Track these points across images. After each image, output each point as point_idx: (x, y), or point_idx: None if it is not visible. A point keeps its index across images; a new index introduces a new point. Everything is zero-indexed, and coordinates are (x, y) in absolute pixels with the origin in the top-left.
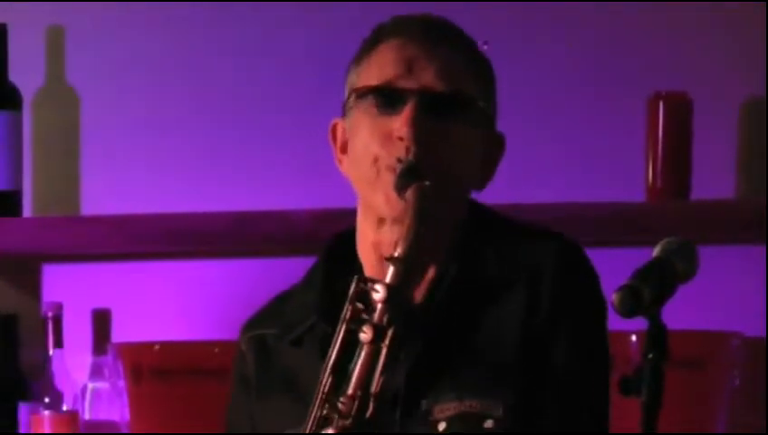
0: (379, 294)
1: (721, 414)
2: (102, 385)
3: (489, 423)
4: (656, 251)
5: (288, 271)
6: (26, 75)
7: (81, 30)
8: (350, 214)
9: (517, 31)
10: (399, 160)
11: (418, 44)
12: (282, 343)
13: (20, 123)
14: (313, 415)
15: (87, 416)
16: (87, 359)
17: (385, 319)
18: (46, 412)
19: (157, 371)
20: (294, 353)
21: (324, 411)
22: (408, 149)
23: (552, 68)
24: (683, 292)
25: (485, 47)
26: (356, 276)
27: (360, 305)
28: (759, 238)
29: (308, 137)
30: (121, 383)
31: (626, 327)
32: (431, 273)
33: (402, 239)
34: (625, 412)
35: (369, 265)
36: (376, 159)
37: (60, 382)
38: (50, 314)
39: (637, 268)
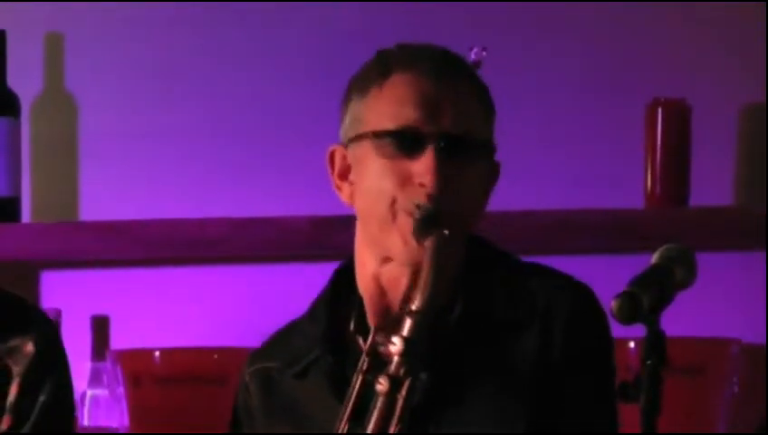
0: (395, 347)
1: (720, 421)
2: (101, 392)
3: None
4: (654, 258)
5: (286, 277)
6: (25, 82)
7: (80, 37)
8: (348, 221)
9: (516, 37)
10: (419, 207)
11: (432, 82)
12: (285, 375)
13: (19, 130)
14: None
15: (86, 422)
16: (86, 365)
17: (402, 371)
18: None
19: (156, 377)
20: (298, 385)
21: None
22: (429, 196)
23: (551, 75)
24: (681, 298)
25: (484, 53)
26: (373, 328)
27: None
28: (757, 245)
29: (306, 143)
30: (120, 390)
31: (624, 334)
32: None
33: (420, 292)
34: (624, 419)
35: (368, 296)
36: (393, 202)
37: None
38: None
39: (635, 275)
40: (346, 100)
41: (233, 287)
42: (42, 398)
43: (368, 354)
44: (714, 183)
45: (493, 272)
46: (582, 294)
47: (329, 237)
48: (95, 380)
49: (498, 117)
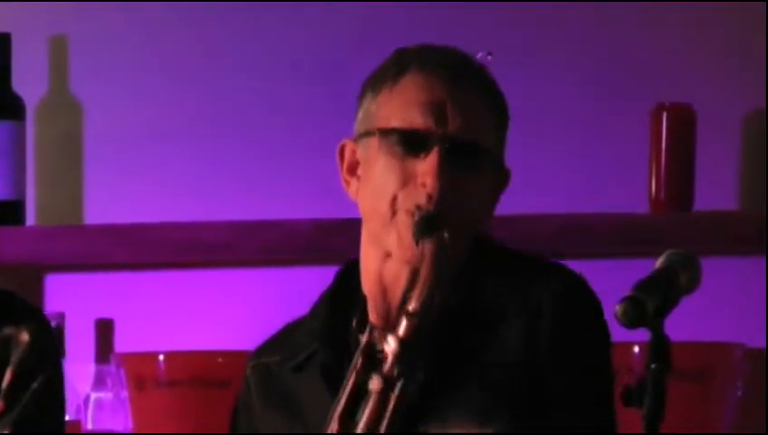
0: (390, 346)
1: (724, 425)
2: (105, 395)
3: None
4: (659, 263)
5: (290, 281)
6: (30, 85)
7: (85, 40)
8: (351, 224)
9: (520, 42)
10: (419, 207)
11: (444, 85)
12: (284, 368)
13: (23, 133)
14: None
15: (90, 426)
16: (90, 369)
17: (395, 372)
18: None
19: (159, 381)
20: (295, 378)
21: None
22: (429, 197)
23: (555, 80)
24: (686, 303)
25: (489, 58)
26: (369, 326)
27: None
28: (761, 250)
29: (310, 146)
30: (124, 393)
31: (629, 338)
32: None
33: (417, 294)
34: (628, 423)
35: (370, 293)
36: (394, 199)
37: None
38: (52, 324)
39: (640, 280)
40: (361, 96)
41: (236, 291)
42: (34, 385)
43: (362, 352)
44: (718, 188)
45: (488, 263)
46: (571, 283)
47: (332, 241)
48: (99, 383)
49: None
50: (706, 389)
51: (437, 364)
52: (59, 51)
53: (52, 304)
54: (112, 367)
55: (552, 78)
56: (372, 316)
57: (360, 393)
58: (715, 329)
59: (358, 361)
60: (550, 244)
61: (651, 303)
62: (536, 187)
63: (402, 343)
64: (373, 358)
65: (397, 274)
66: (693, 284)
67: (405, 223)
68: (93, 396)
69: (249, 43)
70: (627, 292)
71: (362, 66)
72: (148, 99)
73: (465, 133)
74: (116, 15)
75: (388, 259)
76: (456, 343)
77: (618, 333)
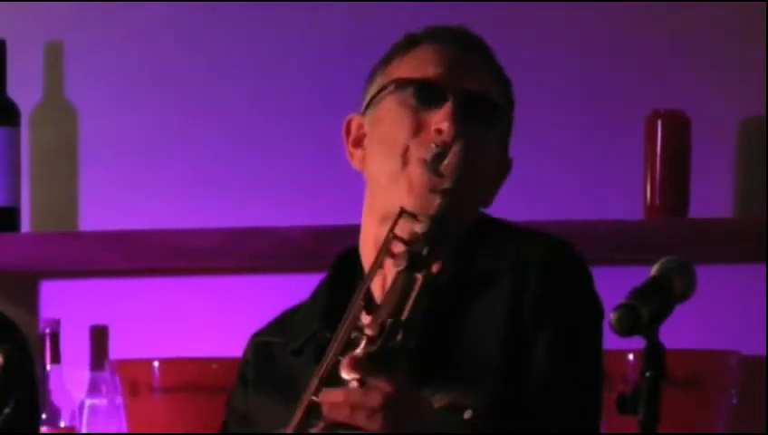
0: (422, 224)
1: (719, 433)
2: (100, 401)
3: (468, 414)
4: (654, 270)
5: (285, 288)
6: (25, 91)
7: (80, 45)
8: (347, 231)
9: (514, 48)
10: (435, 146)
11: (456, 50)
12: (285, 351)
13: (18, 139)
14: (339, 340)
15: (84, 432)
16: (85, 375)
17: (425, 250)
18: (44, 428)
19: (154, 387)
20: (295, 361)
21: (353, 336)
22: (444, 143)
23: (551, 86)
24: (681, 310)
25: None
26: (400, 209)
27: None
28: (756, 257)
29: (305, 153)
30: (119, 400)
31: (623, 346)
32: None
33: (450, 171)
34: (623, 431)
35: (370, 262)
36: (406, 150)
37: (57, 399)
38: (47, 331)
39: (635, 287)
40: (370, 77)
41: (231, 298)
42: (6, 410)
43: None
44: (713, 195)
45: (483, 234)
46: (558, 248)
47: (326, 248)
48: (94, 389)
49: None
50: (701, 396)
51: (429, 333)
52: (54, 57)
53: (47, 311)
54: (107, 374)
55: (547, 84)
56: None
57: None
58: (709, 336)
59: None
60: None
61: (646, 310)
62: (531, 193)
63: (435, 220)
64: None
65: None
66: (688, 291)
67: (416, 172)
68: (88, 402)
69: (243, 49)
70: (621, 299)
71: (357, 72)
72: (143, 105)
73: (480, 87)
74: (111, 22)
75: (385, 222)
76: (447, 311)
77: (612, 340)
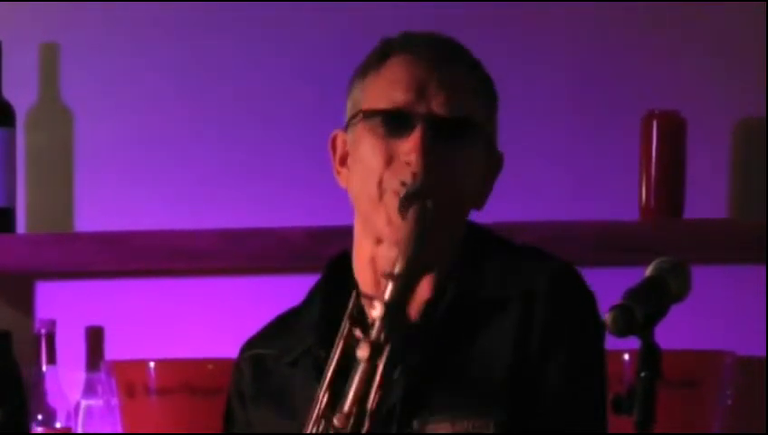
0: (376, 311)
1: (714, 433)
2: (96, 402)
3: None
4: (649, 271)
5: (282, 289)
6: (20, 92)
7: (75, 47)
8: (345, 232)
9: (511, 51)
10: (404, 184)
11: (428, 65)
12: (279, 363)
13: (14, 140)
14: (309, 432)
15: (80, 433)
16: (80, 376)
17: (382, 336)
18: (39, 429)
19: (150, 388)
20: (290, 373)
21: (320, 428)
22: (414, 175)
23: (546, 87)
24: (676, 311)
25: None
26: (354, 292)
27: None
28: (752, 258)
29: (302, 154)
30: (115, 401)
31: (618, 346)
32: (428, 290)
33: (401, 256)
34: (619, 432)
35: (364, 282)
36: (380, 181)
37: (53, 400)
38: (43, 332)
39: (630, 288)
40: (349, 86)
41: (228, 298)
42: None
43: (349, 318)
44: (708, 196)
45: (486, 254)
46: (564, 273)
47: (325, 249)
48: (89, 390)
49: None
50: (697, 397)
51: (436, 355)
52: (50, 58)
53: (42, 312)
54: (103, 375)
55: (542, 84)
56: (366, 303)
57: (347, 363)
58: (705, 337)
59: (345, 327)
60: None
61: (641, 311)
62: (526, 194)
63: (388, 305)
64: (364, 327)
65: (388, 259)
66: (683, 292)
67: (392, 203)
68: (84, 404)
69: (239, 51)
70: (617, 300)
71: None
72: (139, 106)
73: (449, 108)
74: (107, 23)
75: (380, 244)
76: (454, 333)
77: (608, 341)
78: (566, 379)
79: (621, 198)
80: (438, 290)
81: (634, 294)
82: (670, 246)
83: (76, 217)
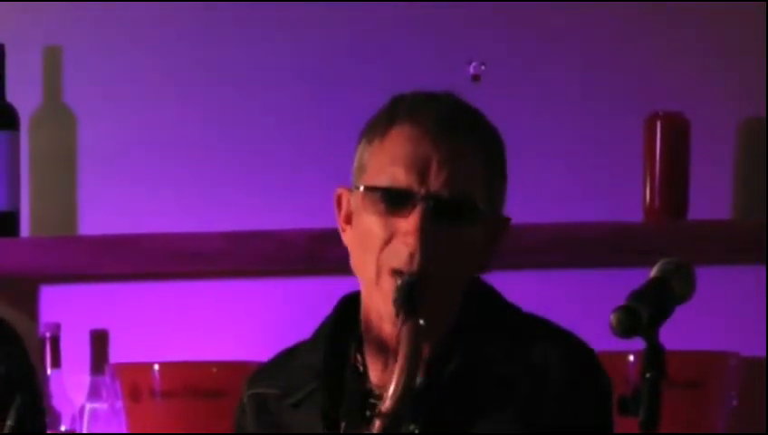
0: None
1: (719, 434)
2: (100, 406)
3: None
4: (653, 271)
5: (285, 292)
6: (24, 95)
7: (79, 50)
8: None
9: (514, 50)
10: (400, 272)
11: (431, 140)
12: (281, 404)
13: (17, 143)
14: None
15: None
16: (85, 379)
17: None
18: None
19: (155, 391)
20: (292, 413)
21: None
22: (411, 256)
23: (550, 89)
24: (680, 312)
25: (483, 68)
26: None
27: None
28: (755, 259)
29: (305, 157)
30: (119, 404)
31: (623, 347)
32: (426, 354)
33: (392, 392)
34: (624, 432)
35: (366, 330)
36: (379, 258)
37: (58, 403)
38: (48, 335)
39: (634, 289)
40: (358, 142)
41: (231, 301)
42: (9, 422)
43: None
44: (712, 197)
45: (492, 326)
46: (577, 356)
47: (327, 252)
48: (94, 393)
49: (497, 131)
50: (701, 398)
51: (437, 424)
52: (53, 61)
53: (47, 315)
54: (107, 378)
55: (546, 87)
56: (368, 350)
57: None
58: (709, 338)
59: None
60: (544, 253)
61: (646, 312)
62: (531, 195)
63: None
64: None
65: (392, 335)
66: (687, 293)
67: (389, 285)
68: (88, 407)
69: (242, 54)
70: (621, 301)
71: (359, 79)
72: (142, 109)
73: (450, 189)
74: (110, 26)
75: (387, 299)
76: (458, 404)
77: (612, 342)
78: None
79: (625, 199)
80: (439, 355)
81: (639, 295)
82: (674, 247)
83: (80, 221)
